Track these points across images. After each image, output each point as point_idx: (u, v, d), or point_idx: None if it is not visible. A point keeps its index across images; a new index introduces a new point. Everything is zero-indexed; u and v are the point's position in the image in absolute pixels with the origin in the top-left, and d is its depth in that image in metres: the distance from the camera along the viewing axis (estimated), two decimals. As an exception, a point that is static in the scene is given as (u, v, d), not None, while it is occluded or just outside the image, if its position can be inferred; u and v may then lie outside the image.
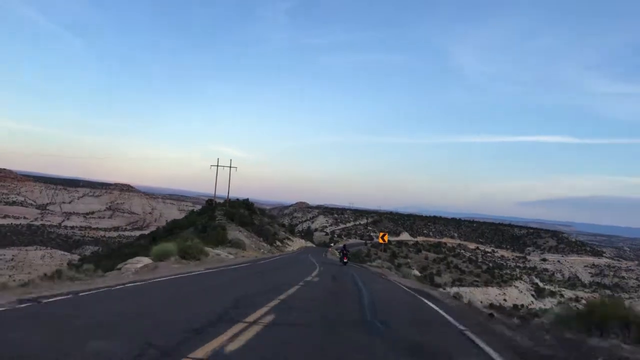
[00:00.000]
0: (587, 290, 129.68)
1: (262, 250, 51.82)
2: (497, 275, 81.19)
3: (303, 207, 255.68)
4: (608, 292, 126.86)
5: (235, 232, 53.00)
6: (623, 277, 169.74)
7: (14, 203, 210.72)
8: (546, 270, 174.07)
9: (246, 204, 79.96)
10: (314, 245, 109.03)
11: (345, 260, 33.34)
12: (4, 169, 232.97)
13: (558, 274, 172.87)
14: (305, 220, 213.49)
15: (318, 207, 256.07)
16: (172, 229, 51.43)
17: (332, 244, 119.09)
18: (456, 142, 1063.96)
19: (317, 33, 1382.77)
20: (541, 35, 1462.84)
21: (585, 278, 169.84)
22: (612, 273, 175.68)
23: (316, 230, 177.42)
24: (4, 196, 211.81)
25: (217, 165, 77.88)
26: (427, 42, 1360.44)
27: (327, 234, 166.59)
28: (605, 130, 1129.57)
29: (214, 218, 60.55)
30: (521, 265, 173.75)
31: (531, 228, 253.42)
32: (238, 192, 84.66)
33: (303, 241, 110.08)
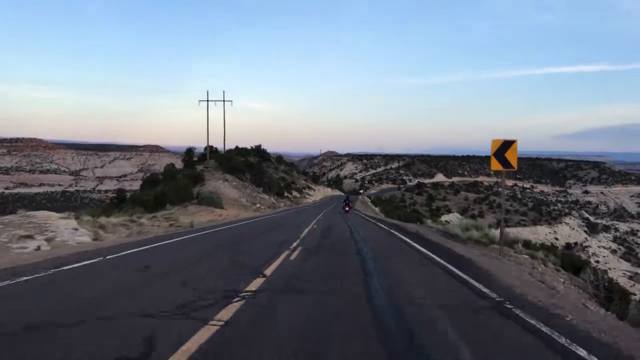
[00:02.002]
0: (637, 221, 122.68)
1: (257, 205, 42.41)
2: (544, 213, 75.47)
3: (332, 156, 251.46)
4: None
5: (216, 183, 43.89)
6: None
7: (48, 171, 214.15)
8: (589, 203, 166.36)
9: (258, 151, 73.17)
10: (343, 194, 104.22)
11: (347, 209, 37.25)
12: (35, 138, 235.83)
13: (602, 206, 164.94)
14: (334, 168, 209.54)
15: (347, 154, 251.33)
16: (143, 185, 45.86)
17: (362, 191, 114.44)
18: (486, 78, 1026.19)
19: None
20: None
21: (632, 208, 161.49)
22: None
23: (345, 177, 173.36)
24: (37, 165, 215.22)
25: (207, 100, 59.17)
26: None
27: (356, 180, 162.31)
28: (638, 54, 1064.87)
29: (193, 166, 52.54)
30: (562, 199, 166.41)
31: (570, 161, 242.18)
32: (266, 145, 78.27)
33: (329, 190, 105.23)
